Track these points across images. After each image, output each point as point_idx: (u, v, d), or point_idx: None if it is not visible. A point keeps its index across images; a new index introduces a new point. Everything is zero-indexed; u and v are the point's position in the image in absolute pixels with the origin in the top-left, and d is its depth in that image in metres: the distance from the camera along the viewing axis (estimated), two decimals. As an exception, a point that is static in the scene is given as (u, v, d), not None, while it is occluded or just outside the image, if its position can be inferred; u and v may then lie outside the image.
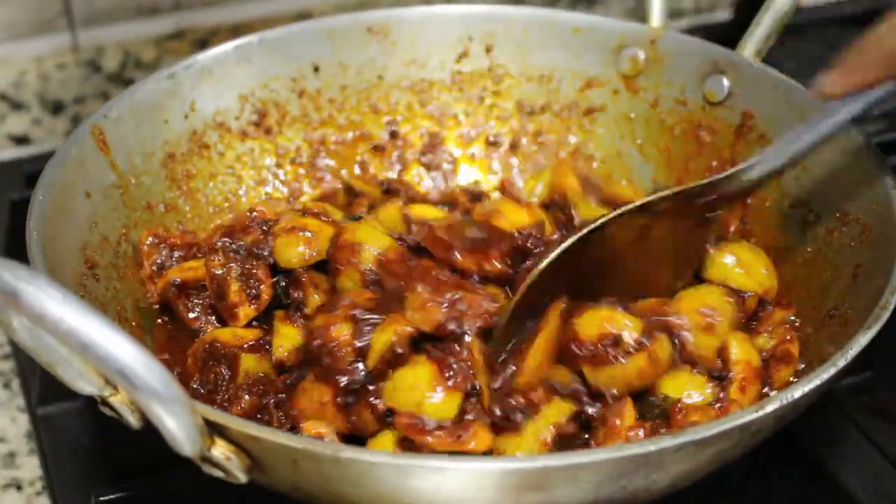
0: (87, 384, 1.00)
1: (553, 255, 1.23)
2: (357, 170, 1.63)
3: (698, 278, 1.35)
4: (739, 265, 1.34)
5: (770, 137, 1.46)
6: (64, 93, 1.91)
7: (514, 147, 1.66)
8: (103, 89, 1.92)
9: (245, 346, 1.26)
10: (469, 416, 1.13)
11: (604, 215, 1.27)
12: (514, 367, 1.20)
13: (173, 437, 0.94)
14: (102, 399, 1.03)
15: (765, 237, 1.44)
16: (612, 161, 1.62)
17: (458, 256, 1.28)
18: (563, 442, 1.17)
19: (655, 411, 1.22)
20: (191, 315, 1.34)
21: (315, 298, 1.31)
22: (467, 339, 1.17)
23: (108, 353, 0.88)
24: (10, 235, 1.67)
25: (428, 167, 1.65)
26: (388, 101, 1.65)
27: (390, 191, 1.57)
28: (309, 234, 1.35)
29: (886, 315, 1.12)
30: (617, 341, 1.20)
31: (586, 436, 1.20)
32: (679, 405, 1.20)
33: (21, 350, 1.28)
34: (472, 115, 1.67)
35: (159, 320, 1.38)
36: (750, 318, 1.33)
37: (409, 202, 1.50)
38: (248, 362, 1.23)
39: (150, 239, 1.37)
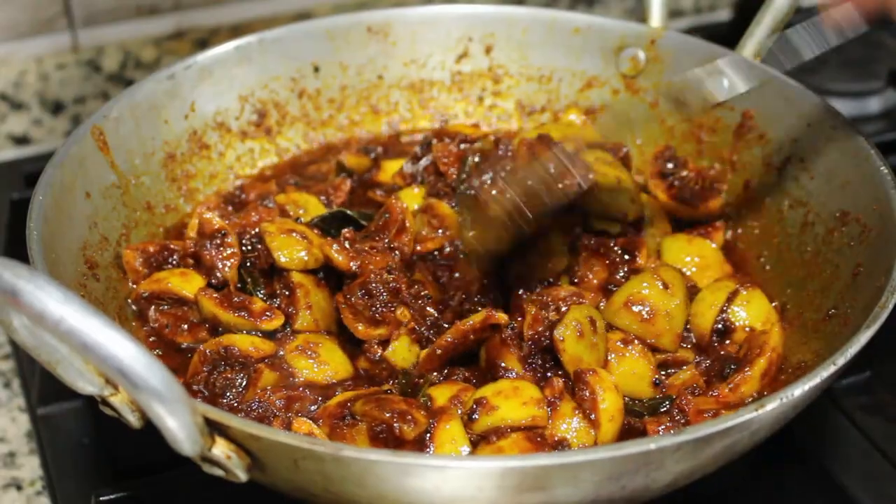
0: (87, 384, 1.00)
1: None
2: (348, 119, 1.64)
3: None
4: None
5: (770, 137, 1.46)
6: (64, 93, 1.91)
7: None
8: (103, 89, 1.92)
9: (266, 359, 1.25)
10: None
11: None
12: None
13: (174, 436, 0.94)
14: (103, 399, 1.03)
15: (765, 237, 1.44)
16: (612, 161, 1.62)
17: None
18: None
19: None
20: (157, 323, 1.33)
21: (306, 315, 1.31)
22: None
23: (108, 353, 0.88)
24: (10, 235, 1.67)
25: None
26: (388, 101, 1.65)
27: (377, 158, 1.58)
28: (307, 240, 1.34)
29: (886, 315, 1.12)
30: None
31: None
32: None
33: (21, 350, 1.29)
34: (472, 115, 1.67)
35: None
36: None
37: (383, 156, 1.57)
38: (268, 379, 1.23)
39: (139, 259, 1.36)
